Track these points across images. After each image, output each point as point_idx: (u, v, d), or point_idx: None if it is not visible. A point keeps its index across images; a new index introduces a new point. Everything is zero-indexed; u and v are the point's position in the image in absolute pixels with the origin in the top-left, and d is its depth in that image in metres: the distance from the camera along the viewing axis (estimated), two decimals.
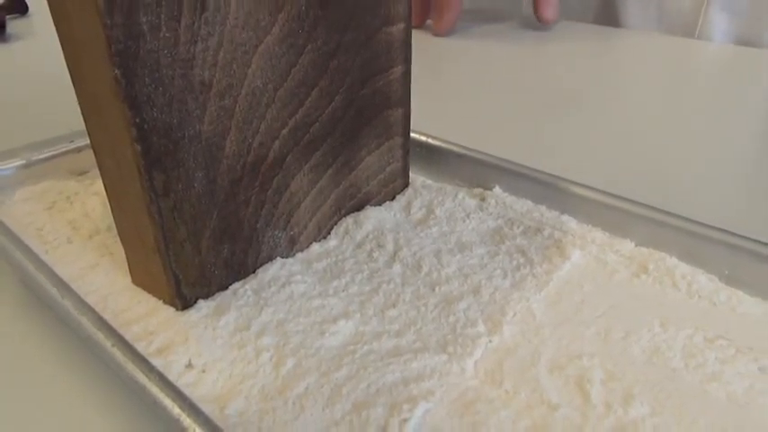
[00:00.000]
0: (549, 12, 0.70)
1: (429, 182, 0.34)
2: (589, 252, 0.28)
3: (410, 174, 0.34)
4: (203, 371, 0.22)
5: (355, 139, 0.29)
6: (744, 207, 0.35)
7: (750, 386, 0.21)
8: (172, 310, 0.24)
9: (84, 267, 0.27)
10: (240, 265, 0.26)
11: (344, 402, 0.21)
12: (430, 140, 0.35)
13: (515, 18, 0.78)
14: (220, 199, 0.24)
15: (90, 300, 0.23)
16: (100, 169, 0.24)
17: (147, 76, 0.20)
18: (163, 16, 0.20)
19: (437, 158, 0.35)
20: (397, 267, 0.27)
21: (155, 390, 0.19)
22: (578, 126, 0.47)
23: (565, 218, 0.30)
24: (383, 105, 0.30)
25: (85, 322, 0.22)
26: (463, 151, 0.34)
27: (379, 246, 0.29)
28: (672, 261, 0.27)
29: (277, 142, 0.25)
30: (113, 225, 0.26)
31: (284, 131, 0.26)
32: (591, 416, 0.20)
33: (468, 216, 0.31)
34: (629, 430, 0.20)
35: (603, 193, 0.30)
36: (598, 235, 0.29)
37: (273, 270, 0.27)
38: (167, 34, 0.20)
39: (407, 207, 0.32)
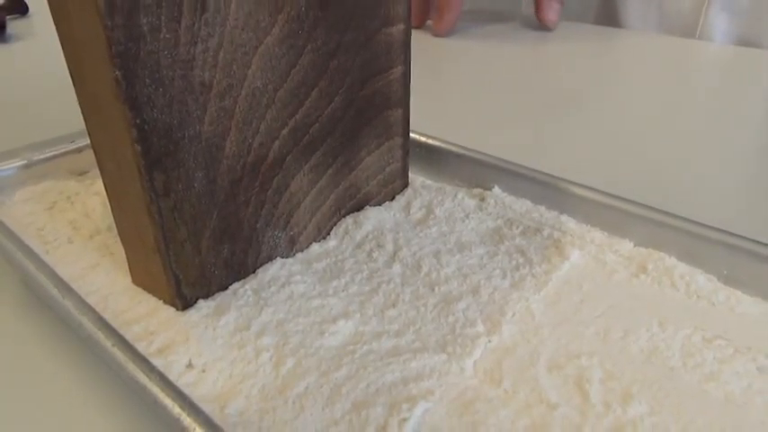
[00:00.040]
0: (552, 14, 0.70)
1: (428, 182, 0.34)
2: (588, 252, 0.28)
3: (410, 174, 0.34)
4: (203, 371, 0.22)
5: (355, 139, 0.29)
6: (743, 207, 0.36)
7: (748, 386, 0.21)
8: (172, 310, 0.25)
9: (84, 267, 0.27)
10: (240, 266, 0.26)
11: (344, 402, 0.21)
12: (429, 141, 0.36)
13: (515, 18, 0.78)
14: (220, 199, 0.24)
15: (90, 300, 0.23)
16: (100, 169, 0.24)
17: (148, 77, 0.20)
18: (163, 17, 0.20)
19: (437, 159, 0.35)
20: (396, 267, 0.27)
21: (155, 389, 0.19)
22: (578, 126, 0.47)
23: (564, 218, 0.30)
24: (383, 106, 0.30)
25: (86, 322, 0.22)
26: (462, 151, 0.34)
27: (379, 246, 0.29)
28: (671, 261, 0.27)
29: (277, 142, 0.26)
30: (114, 225, 0.26)
31: (284, 132, 0.26)
32: (590, 415, 0.20)
33: (467, 216, 0.31)
34: (627, 429, 0.20)
35: (602, 193, 0.30)
36: (597, 235, 0.29)
37: (273, 270, 0.27)
38: (168, 35, 0.20)
39: (407, 207, 0.32)
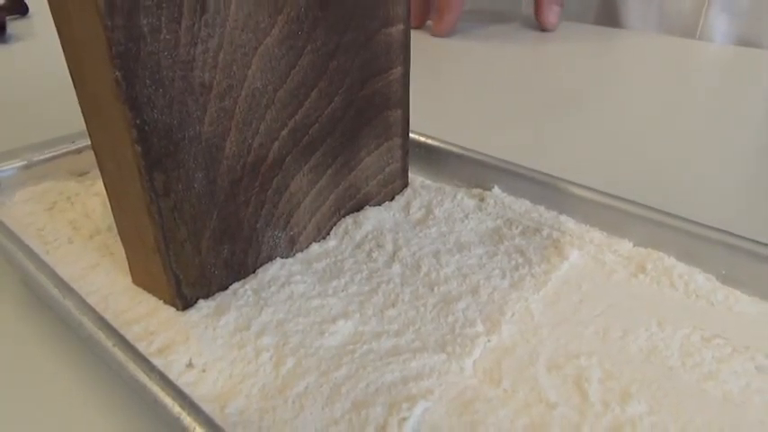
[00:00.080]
0: (552, 17, 0.71)
1: (428, 182, 0.35)
2: (587, 252, 0.28)
3: (409, 174, 0.34)
4: (204, 370, 0.22)
5: (355, 139, 0.29)
6: (743, 207, 0.36)
7: (746, 385, 0.22)
8: (172, 310, 0.25)
9: (84, 267, 0.27)
10: (240, 266, 0.26)
11: (344, 401, 0.21)
12: (429, 141, 0.36)
13: (515, 19, 0.78)
14: (220, 199, 0.24)
15: (91, 300, 0.23)
16: (100, 170, 0.24)
17: (148, 78, 0.20)
18: (163, 18, 0.20)
19: (436, 159, 0.35)
20: (396, 267, 0.27)
21: (155, 389, 0.19)
22: (578, 126, 0.47)
23: (563, 218, 0.30)
24: (382, 106, 0.30)
25: (86, 322, 0.22)
26: (462, 152, 0.34)
27: (379, 246, 0.29)
28: (670, 261, 0.27)
29: (277, 143, 0.26)
30: (114, 225, 0.26)
31: (284, 132, 0.26)
32: (589, 414, 0.21)
33: (466, 216, 0.31)
34: (626, 428, 0.20)
35: (602, 193, 0.30)
36: (596, 235, 0.29)
37: (273, 270, 0.27)
38: (168, 36, 0.20)
39: (406, 207, 0.32)
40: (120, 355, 0.20)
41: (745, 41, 0.68)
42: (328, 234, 0.30)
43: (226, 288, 0.26)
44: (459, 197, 0.32)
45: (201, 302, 0.25)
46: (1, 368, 0.25)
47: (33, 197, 0.32)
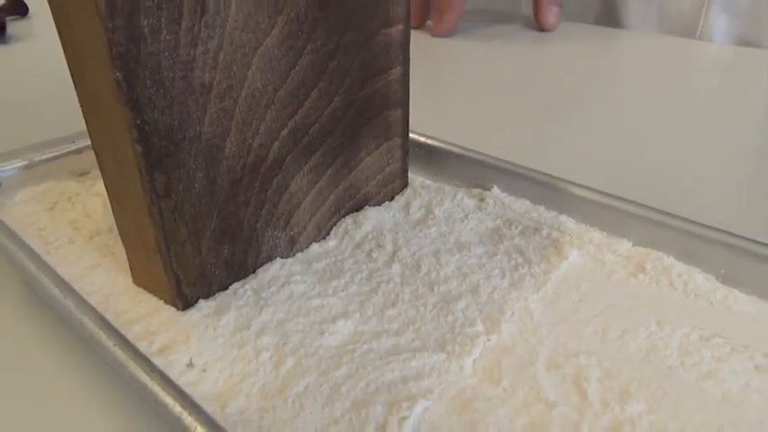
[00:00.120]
0: (551, 17, 0.71)
1: (428, 182, 0.35)
2: (587, 252, 0.28)
3: (409, 174, 0.34)
4: (204, 370, 0.22)
5: (354, 139, 0.30)
6: (743, 207, 0.36)
7: (745, 384, 0.22)
8: (173, 309, 0.25)
9: (85, 268, 0.27)
10: (240, 266, 0.26)
11: (344, 401, 0.21)
12: (429, 141, 0.36)
13: (515, 19, 0.78)
14: (220, 199, 0.24)
15: (92, 300, 0.23)
16: (101, 170, 0.24)
17: (148, 79, 0.20)
18: (163, 19, 0.20)
19: (436, 159, 0.35)
20: (396, 267, 0.28)
21: (156, 389, 0.19)
22: (578, 126, 0.47)
23: (563, 218, 0.30)
24: (382, 106, 0.30)
25: (87, 322, 0.22)
26: (462, 152, 0.35)
27: (379, 246, 0.29)
28: (669, 260, 0.27)
29: (277, 143, 0.26)
30: (114, 226, 0.26)
31: (284, 132, 0.26)
32: (588, 413, 0.21)
33: (466, 216, 0.31)
34: (625, 428, 0.20)
35: (601, 193, 0.30)
36: (596, 235, 0.29)
37: (273, 270, 0.27)
38: (168, 37, 0.20)
39: (406, 207, 0.32)
40: (120, 354, 0.20)
41: (745, 41, 0.68)
42: (328, 234, 0.30)
43: (226, 288, 0.26)
44: (458, 197, 0.32)
45: (202, 302, 0.25)
46: (2, 368, 0.25)
47: (34, 197, 0.32)
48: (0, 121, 0.48)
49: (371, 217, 0.31)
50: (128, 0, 0.19)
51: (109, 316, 0.22)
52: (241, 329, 0.24)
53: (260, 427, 0.20)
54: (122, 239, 0.26)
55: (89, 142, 0.24)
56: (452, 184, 0.35)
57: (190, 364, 0.22)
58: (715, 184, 0.39)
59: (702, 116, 0.49)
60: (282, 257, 0.28)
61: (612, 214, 0.29)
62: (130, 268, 0.26)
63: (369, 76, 0.29)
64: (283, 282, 0.26)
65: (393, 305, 0.25)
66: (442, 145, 0.35)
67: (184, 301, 0.25)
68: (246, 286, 0.26)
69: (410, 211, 0.32)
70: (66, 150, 0.34)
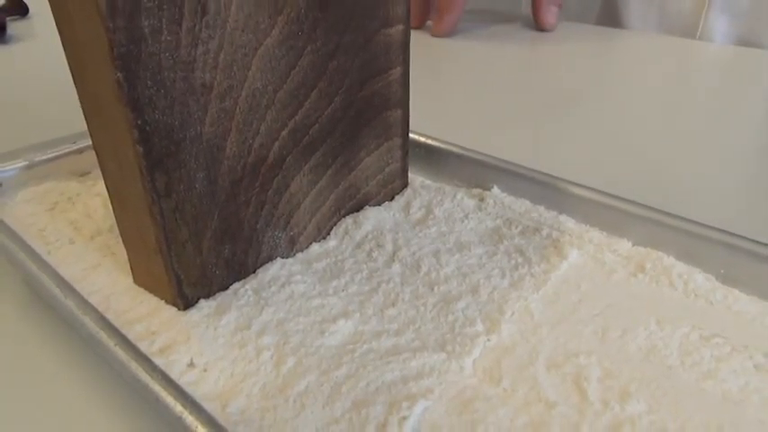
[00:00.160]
0: (550, 17, 0.71)
1: (428, 182, 0.35)
2: (587, 252, 0.28)
3: (409, 174, 0.34)
4: (205, 369, 0.22)
5: (354, 139, 0.30)
6: (743, 207, 0.36)
7: (745, 384, 0.22)
8: (173, 309, 0.25)
9: (86, 268, 0.27)
10: (241, 266, 0.26)
11: (344, 400, 0.21)
12: (429, 141, 0.36)
13: (515, 19, 0.78)
14: (221, 200, 0.24)
15: (92, 300, 0.23)
16: (102, 170, 0.24)
17: (149, 79, 0.20)
18: (164, 20, 0.20)
19: (436, 159, 0.35)
20: (396, 267, 0.28)
21: (157, 388, 0.19)
22: (578, 126, 0.47)
23: (563, 218, 0.31)
24: (382, 106, 0.30)
25: (88, 322, 0.22)
26: (462, 152, 0.35)
27: (379, 246, 0.29)
28: (669, 260, 0.27)
29: (277, 143, 0.26)
30: (115, 226, 0.26)
31: (284, 132, 0.26)
32: (588, 413, 0.21)
33: (466, 216, 0.31)
34: (625, 427, 0.20)
35: (601, 193, 0.30)
36: (596, 235, 0.29)
37: (274, 270, 0.27)
38: (169, 37, 0.20)
39: (406, 207, 0.32)
40: (121, 354, 0.20)
41: (745, 41, 0.68)
42: (328, 234, 0.30)
43: (226, 288, 0.26)
44: (458, 197, 0.32)
45: (202, 302, 0.25)
46: (2, 368, 0.25)
47: (35, 197, 0.32)
48: (0, 121, 0.48)
49: (371, 217, 0.31)
50: (129, 1, 0.19)
51: (110, 316, 0.22)
52: (242, 329, 0.24)
53: (261, 426, 0.20)
54: (123, 239, 0.26)
55: (90, 142, 0.24)
56: (452, 184, 0.35)
57: (191, 364, 0.22)
58: (715, 184, 0.39)
59: (702, 116, 0.49)
60: (283, 257, 0.28)
61: (612, 214, 0.29)
62: (131, 268, 0.26)
63: (369, 77, 0.29)
64: (284, 282, 0.26)
65: (393, 305, 0.25)
66: (442, 145, 0.35)
67: (185, 301, 0.25)
68: (247, 286, 0.26)
69: (410, 211, 0.32)
70: (66, 150, 0.34)
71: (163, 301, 0.25)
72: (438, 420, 0.20)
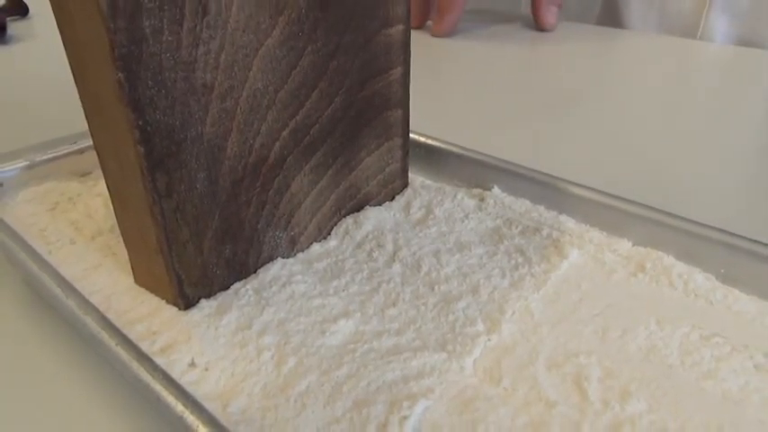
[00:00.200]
0: (550, 17, 0.71)
1: (428, 182, 0.35)
2: (587, 251, 0.29)
3: (409, 174, 0.34)
4: (206, 369, 0.22)
5: (355, 140, 0.30)
6: (743, 207, 0.36)
7: (745, 383, 0.22)
8: (174, 309, 0.25)
9: (87, 268, 0.27)
10: (241, 266, 0.26)
11: (345, 400, 0.21)
12: (429, 141, 0.36)
13: (516, 19, 0.78)
14: (222, 200, 0.24)
15: (93, 300, 0.23)
16: (103, 170, 0.24)
17: (150, 79, 0.20)
18: (165, 20, 0.20)
19: (436, 159, 0.35)
20: (396, 267, 0.28)
21: (158, 388, 0.19)
22: (578, 126, 0.48)
23: (563, 218, 0.31)
24: (382, 106, 0.30)
25: (90, 322, 0.22)
26: (462, 152, 0.35)
27: (379, 246, 0.29)
28: (669, 260, 0.27)
29: (278, 143, 0.26)
30: (116, 226, 0.26)
31: (285, 133, 0.26)
32: (588, 412, 0.21)
33: (466, 216, 0.31)
34: (625, 427, 0.20)
35: (601, 193, 0.30)
36: (596, 234, 0.29)
37: (274, 270, 0.27)
38: (170, 38, 0.20)
39: (407, 207, 0.32)
40: (123, 354, 0.21)
41: (745, 42, 0.68)
42: (329, 234, 0.30)
43: (227, 288, 0.26)
44: (459, 197, 0.33)
45: (203, 302, 0.25)
46: (3, 368, 0.25)
47: (36, 197, 0.32)
48: (0, 121, 0.48)
49: (372, 217, 0.31)
50: (130, 1, 0.19)
51: (111, 316, 0.23)
52: (243, 329, 0.24)
53: (262, 426, 0.20)
54: (124, 239, 0.26)
55: (90, 142, 0.24)
56: (453, 184, 0.35)
57: (192, 364, 0.22)
58: (715, 184, 0.39)
59: (702, 116, 0.50)
60: (283, 257, 0.28)
61: (612, 214, 0.29)
62: (132, 268, 0.26)
63: (369, 77, 0.29)
64: (284, 281, 0.26)
65: (394, 305, 0.25)
66: (442, 145, 0.35)
67: (186, 301, 0.25)
68: (248, 286, 0.26)
69: (410, 211, 0.32)
70: (67, 151, 0.34)
71: (164, 301, 0.25)
72: (439, 420, 0.21)
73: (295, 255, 0.28)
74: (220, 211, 0.25)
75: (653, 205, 0.29)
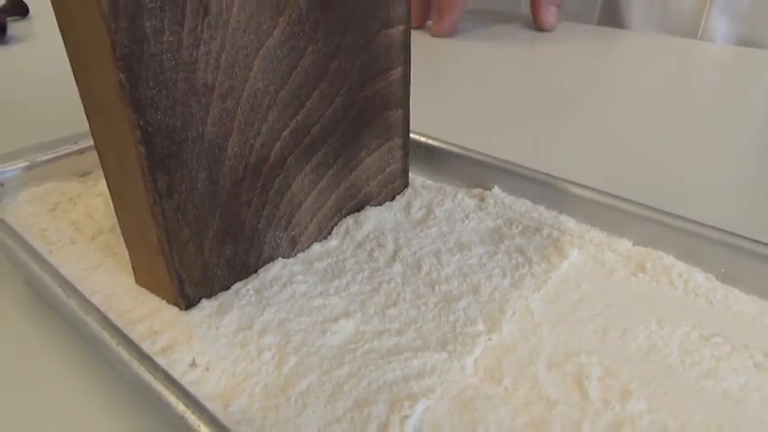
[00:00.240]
0: (550, 17, 0.71)
1: (428, 182, 0.35)
2: (587, 251, 0.29)
3: (410, 174, 0.34)
4: (207, 369, 0.22)
5: (355, 140, 0.30)
6: (743, 207, 0.36)
7: (745, 383, 0.22)
8: (175, 309, 0.25)
9: (87, 268, 0.27)
10: (242, 265, 0.26)
11: (346, 400, 0.21)
12: (429, 141, 0.36)
13: (516, 19, 0.78)
14: (223, 200, 0.24)
15: (94, 300, 0.23)
16: (104, 170, 0.24)
17: (151, 80, 0.20)
18: (166, 21, 0.20)
19: (437, 159, 0.36)
20: (397, 267, 0.28)
21: (159, 388, 0.19)
22: (578, 126, 0.48)
23: (563, 217, 0.31)
24: (383, 107, 0.30)
25: (91, 322, 0.22)
26: (462, 152, 0.35)
27: (380, 246, 0.29)
28: (669, 260, 0.27)
29: (278, 143, 0.26)
30: (117, 226, 0.26)
31: (285, 133, 0.26)
32: (589, 412, 0.21)
33: (467, 216, 0.31)
34: (626, 426, 0.20)
35: (601, 192, 0.30)
36: (596, 234, 0.29)
37: (275, 270, 0.27)
38: (171, 38, 0.20)
39: (407, 207, 0.32)
40: (124, 354, 0.21)
41: (745, 42, 0.68)
42: (329, 234, 0.30)
43: (228, 288, 0.26)
44: (459, 197, 0.33)
45: (204, 302, 0.25)
46: (4, 368, 0.25)
47: (36, 198, 0.32)
48: (1, 121, 0.48)
49: (372, 217, 0.31)
50: (131, 1, 0.19)
51: (112, 316, 0.23)
52: (243, 329, 0.24)
53: (263, 425, 0.20)
54: (125, 239, 0.26)
55: (90, 142, 0.24)
56: (453, 184, 0.35)
57: (193, 364, 0.22)
58: (715, 184, 0.39)
59: (702, 116, 0.50)
60: (284, 257, 0.28)
61: (612, 214, 0.29)
62: (133, 268, 0.26)
63: (369, 77, 0.29)
64: (285, 281, 0.26)
65: (394, 305, 0.25)
66: (442, 145, 0.35)
67: (187, 301, 0.25)
68: (248, 286, 0.26)
69: (411, 211, 0.32)
70: (67, 151, 0.34)
71: (164, 301, 0.25)
72: (439, 419, 0.21)
73: (296, 255, 0.28)
74: (221, 210, 0.25)
75: (653, 205, 0.29)
